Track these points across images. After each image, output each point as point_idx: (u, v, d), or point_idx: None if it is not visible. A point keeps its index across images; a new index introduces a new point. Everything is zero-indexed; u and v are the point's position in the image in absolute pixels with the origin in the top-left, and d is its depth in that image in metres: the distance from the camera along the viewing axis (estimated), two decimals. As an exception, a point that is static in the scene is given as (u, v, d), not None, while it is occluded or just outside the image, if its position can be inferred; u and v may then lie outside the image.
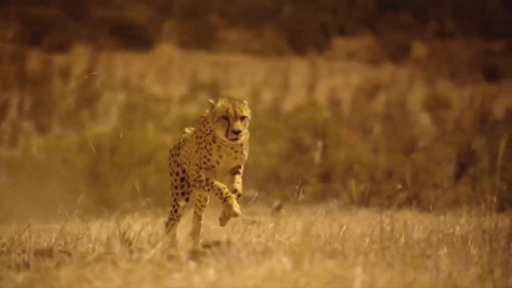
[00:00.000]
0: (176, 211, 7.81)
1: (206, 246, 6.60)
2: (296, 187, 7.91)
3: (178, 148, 7.80)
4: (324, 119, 18.32)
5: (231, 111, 7.30)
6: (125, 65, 30.97)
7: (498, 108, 28.02)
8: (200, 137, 7.42)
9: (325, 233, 7.69)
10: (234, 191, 7.34)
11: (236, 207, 7.27)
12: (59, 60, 30.44)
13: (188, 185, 7.69)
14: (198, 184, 7.41)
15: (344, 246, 6.77)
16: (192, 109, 27.51)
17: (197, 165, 7.38)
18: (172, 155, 7.82)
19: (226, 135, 7.27)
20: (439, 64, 32.48)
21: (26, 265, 6.51)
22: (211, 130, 7.38)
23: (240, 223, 8.30)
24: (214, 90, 29.53)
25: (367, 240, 7.21)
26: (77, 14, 32.93)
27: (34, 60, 30.16)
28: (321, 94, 29.63)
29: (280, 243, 7.35)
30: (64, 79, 29.51)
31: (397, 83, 31.10)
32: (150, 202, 8.80)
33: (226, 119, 7.29)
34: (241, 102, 7.40)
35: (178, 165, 7.74)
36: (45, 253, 6.82)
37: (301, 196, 7.75)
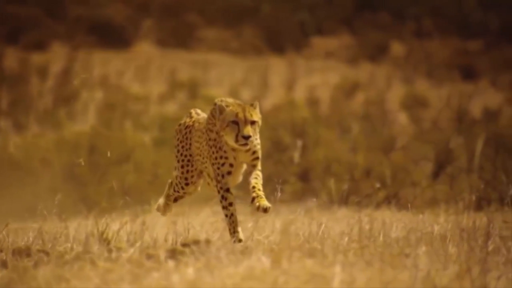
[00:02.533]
0: (183, 188, 7.59)
1: (185, 245, 6.59)
2: (277, 186, 7.91)
3: (186, 133, 7.51)
4: (303, 118, 18.34)
5: (240, 115, 7.07)
6: (103, 63, 30.86)
7: (475, 107, 28.16)
8: (213, 140, 7.19)
9: (304, 232, 7.70)
10: (256, 197, 7.21)
11: (239, 239, 7.24)
12: (36, 58, 30.28)
13: (193, 166, 7.48)
14: (219, 197, 7.27)
15: (323, 245, 6.78)
16: (171, 108, 27.45)
17: (217, 173, 7.21)
18: (178, 138, 7.58)
19: (236, 141, 7.06)
20: (417, 63, 32.60)
21: (4, 264, 6.47)
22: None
23: (219, 222, 8.29)
24: (193, 88, 29.48)
25: (346, 239, 7.22)
26: (54, 12, 32.77)
27: (11, 58, 29.98)
28: (300, 93, 29.66)
29: (259, 242, 7.35)
30: (41, 77, 29.36)
31: (375, 82, 31.19)
32: (129, 201, 8.77)
33: (236, 123, 7.07)
34: (251, 105, 7.16)
35: (183, 147, 7.52)
36: (23, 252, 6.78)
37: (280, 195, 7.74)
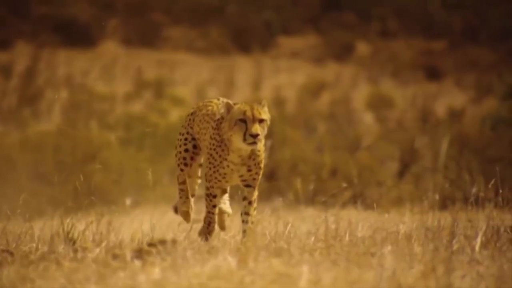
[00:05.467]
0: (182, 169, 7.29)
1: (151, 245, 6.57)
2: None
3: (192, 114, 7.31)
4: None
5: (248, 113, 6.87)
6: (68, 62, 30.69)
7: (440, 107, 28.38)
8: (215, 150, 7.05)
9: (270, 232, 7.71)
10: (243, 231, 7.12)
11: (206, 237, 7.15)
12: (0, 57, 30.04)
13: (194, 147, 7.30)
14: (206, 195, 7.16)
15: (290, 244, 6.80)
16: (136, 107, 27.36)
17: (210, 179, 7.05)
18: (185, 120, 7.46)
19: (244, 139, 6.85)
20: (382, 63, 32.78)
21: (-32, 265, 6.41)
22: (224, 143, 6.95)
23: (186, 222, 8.27)
24: (159, 88, 29.41)
25: (312, 238, 7.24)
26: (19, 11, 32.53)
27: (-25, 57, 29.73)
28: (266, 93, 29.68)
29: (225, 242, 7.35)
30: (5, 76, 29.13)
31: (341, 82, 31.32)
32: (95, 201, 8.73)
33: (244, 122, 6.87)
34: (259, 103, 6.98)
35: (183, 126, 7.35)
36: (-13, 252, 6.73)
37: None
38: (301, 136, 19.58)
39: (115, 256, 6.33)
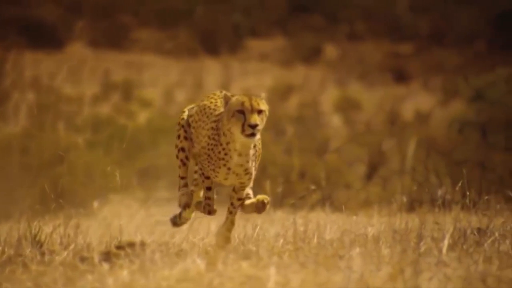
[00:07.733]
0: (184, 164, 7.26)
1: (119, 247, 6.55)
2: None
3: (194, 107, 7.31)
4: (237, 120, 18.31)
5: (247, 104, 6.83)
6: (35, 64, 30.50)
7: (407, 110, 28.56)
8: (212, 151, 7.00)
9: (239, 234, 7.72)
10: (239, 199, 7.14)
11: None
12: (-34, 58, 29.78)
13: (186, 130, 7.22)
14: (200, 177, 7.09)
15: (258, 247, 6.81)
16: (104, 109, 27.26)
17: (205, 171, 6.98)
18: (185, 110, 7.41)
19: (242, 131, 6.79)
20: (350, 66, 32.91)
21: None
22: (222, 146, 6.90)
23: (154, 225, 8.26)
24: (127, 90, 29.32)
25: (281, 240, 7.26)
26: (-15, 11, 32.28)
27: None
28: (234, 95, 29.69)
29: (194, 244, 7.34)
30: (-29, 78, 28.89)
31: (309, 84, 31.40)
32: (62, 204, 8.68)
33: (242, 113, 6.82)
34: (258, 95, 6.97)
35: (183, 119, 7.31)
36: (-47, 256, 6.66)
37: (216, 197, 7.72)
38: (269, 139, 19.61)
39: (83, 259, 6.30)
